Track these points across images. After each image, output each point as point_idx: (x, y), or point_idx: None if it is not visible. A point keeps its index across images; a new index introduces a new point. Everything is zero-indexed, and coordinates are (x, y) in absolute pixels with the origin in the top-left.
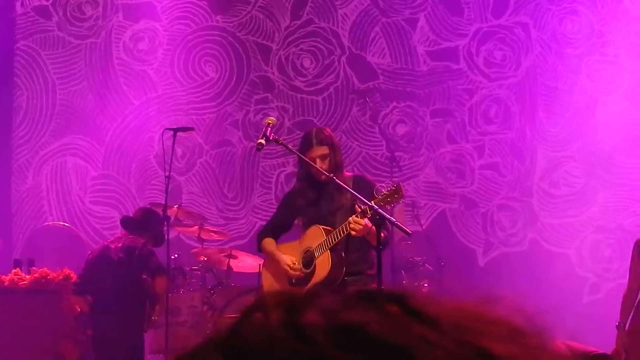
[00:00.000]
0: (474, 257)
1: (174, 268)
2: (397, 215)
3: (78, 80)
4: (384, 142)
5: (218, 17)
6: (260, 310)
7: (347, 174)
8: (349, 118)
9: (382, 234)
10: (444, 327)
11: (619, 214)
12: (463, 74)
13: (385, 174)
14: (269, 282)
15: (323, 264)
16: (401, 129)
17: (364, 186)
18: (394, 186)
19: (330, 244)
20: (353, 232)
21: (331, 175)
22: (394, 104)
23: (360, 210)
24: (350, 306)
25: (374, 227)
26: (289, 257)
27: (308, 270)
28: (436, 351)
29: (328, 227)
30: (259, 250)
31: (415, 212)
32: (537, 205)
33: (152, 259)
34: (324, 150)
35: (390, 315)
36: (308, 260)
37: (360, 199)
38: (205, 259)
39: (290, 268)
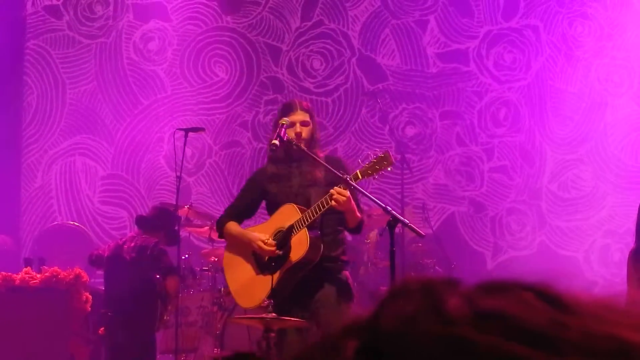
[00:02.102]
0: (483, 260)
1: (184, 268)
2: (408, 217)
3: (88, 80)
4: (393, 144)
5: (228, 18)
6: (401, 296)
7: (320, 153)
8: (359, 119)
9: (359, 216)
10: (579, 315)
11: (628, 219)
12: (473, 76)
13: (394, 175)
14: (233, 271)
15: (300, 244)
16: (410, 131)
17: (337, 165)
18: (382, 153)
19: (307, 221)
20: (334, 203)
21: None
22: (404, 105)
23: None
24: (489, 293)
25: (353, 204)
26: (260, 233)
27: (280, 252)
28: (573, 336)
29: (302, 207)
30: (221, 237)
31: (425, 215)
32: (546, 208)
33: (164, 258)
34: (306, 116)
35: (528, 301)
36: (280, 240)
37: (335, 172)
38: (216, 259)
39: (264, 244)
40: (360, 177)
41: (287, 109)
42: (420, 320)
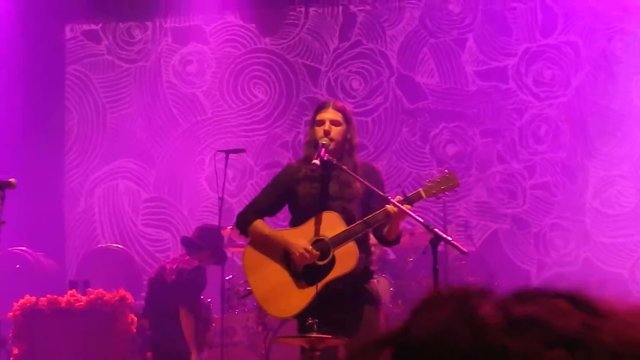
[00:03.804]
0: (528, 277)
1: (228, 288)
2: (451, 235)
3: (128, 103)
4: (434, 163)
5: (266, 40)
6: (434, 305)
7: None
8: (399, 139)
9: (399, 230)
10: (612, 320)
11: None
12: (512, 94)
13: None
14: (260, 274)
15: (348, 257)
16: (451, 149)
17: (374, 178)
18: (447, 173)
19: (356, 234)
20: (393, 213)
21: (328, 145)
22: (444, 124)
23: (405, 196)
24: (521, 300)
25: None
26: (302, 240)
27: (323, 263)
28: (606, 339)
29: (343, 215)
30: (244, 233)
31: (468, 232)
32: (590, 224)
33: (192, 286)
34: (338, 116)
35: (560, 308)
36: (322, 251)
37: (377, 191)
38: None
39: (308, 252)
40: (423, 195)
41: (320, 107)
42: (453, 329)
